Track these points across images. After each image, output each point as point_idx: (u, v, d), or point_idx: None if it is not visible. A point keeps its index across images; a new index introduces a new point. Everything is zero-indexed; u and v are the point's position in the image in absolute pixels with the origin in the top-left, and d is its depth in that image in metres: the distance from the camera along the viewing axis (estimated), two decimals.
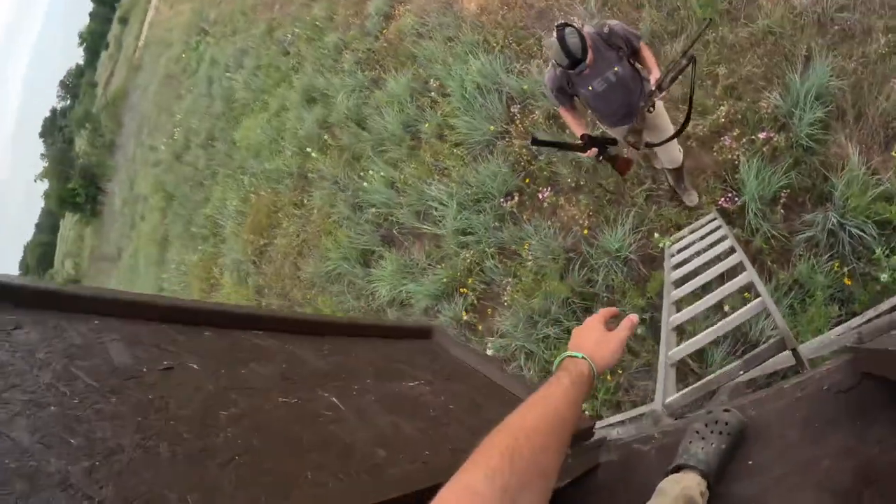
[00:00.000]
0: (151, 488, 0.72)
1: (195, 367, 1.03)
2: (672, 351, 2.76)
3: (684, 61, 3.46)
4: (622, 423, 3.69)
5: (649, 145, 3.82)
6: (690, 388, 2.39)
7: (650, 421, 2.37)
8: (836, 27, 4.54)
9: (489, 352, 4.91)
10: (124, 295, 1.10)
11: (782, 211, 4.10)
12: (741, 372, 2.37)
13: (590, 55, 3.24)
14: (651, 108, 3.55)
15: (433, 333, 1.98)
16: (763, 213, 4.12)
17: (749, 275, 2.98)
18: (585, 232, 4.84)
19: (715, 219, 4.09)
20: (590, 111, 4.06)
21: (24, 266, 76.12)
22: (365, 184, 6.90)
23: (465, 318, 5.35)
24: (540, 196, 5.30)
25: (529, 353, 4.70)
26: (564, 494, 1.32)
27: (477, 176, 5.68)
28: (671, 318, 3.04)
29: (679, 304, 3.66)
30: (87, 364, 0.87)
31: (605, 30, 3.37)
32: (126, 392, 0.86)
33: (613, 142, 3.68)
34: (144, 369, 0.94)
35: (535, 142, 3.70)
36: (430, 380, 1.56)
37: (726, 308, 3.67)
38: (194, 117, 15.87)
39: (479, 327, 5.28)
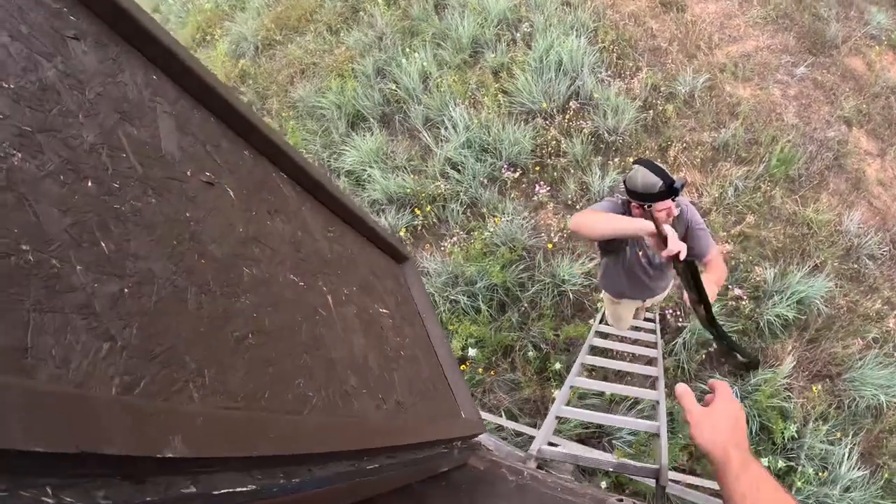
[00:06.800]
0: (174, 345, 0.56)
1: (231, 193, 0.83)
2: (563, 407, 2.98)
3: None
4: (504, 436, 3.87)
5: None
6: (564, 452, 2.57)
7: (523, 457, 2.49)
8: (856, 265, 4.85)
9: None
10: (190, 58, 0.82)
11: (704, 356, 4.31)
12: (610, 469, 2.59)
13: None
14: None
15: (407, 261, 1.90)
16: (689, 347, 4.31)
17: (658, 396, 3.14)
18: (550, 246, 4.87)
19: (653, 320, 4.24)
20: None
21: None
22: (403, 60, 6.64)
23: (401, 233, 5.31)
24: (536, 187, 5.28)
25: (432, 301, 4.72)
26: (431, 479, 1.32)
27: (500, 131, 5.58)
28: (576, 379, 3.21)
29: (589, 370, 3.84)
30: (135, 134, 0.65)
31: (676, 210, 2.52)
32: (167, 196, 0.66)
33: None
34: (188, 172, 0.73)
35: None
36: (392, 312, 1.49)
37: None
38: None
39: (408, 250, 5.24)
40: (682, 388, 1.14)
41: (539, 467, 2.33)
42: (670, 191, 2.30)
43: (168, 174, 0.68)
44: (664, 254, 2.05)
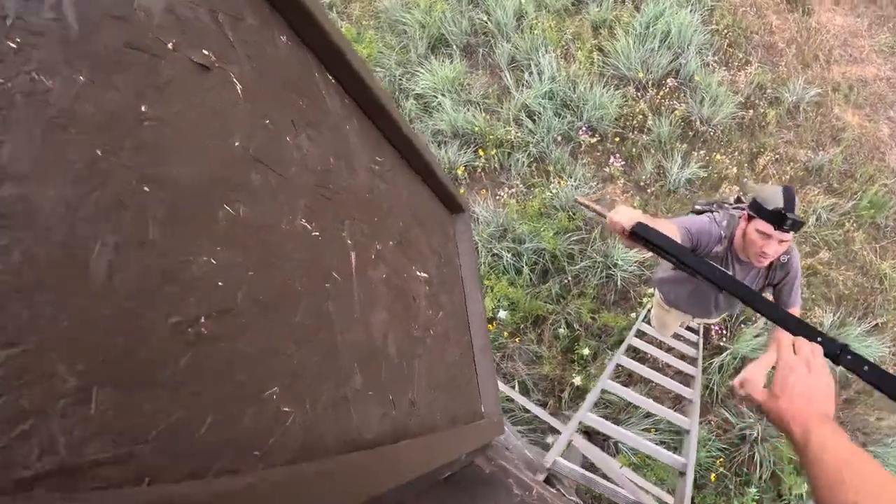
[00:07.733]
0: (40, 346, 0.31)
1: (238, 88, 0.56)
2: (588, 413, 2.77)
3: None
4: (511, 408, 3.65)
5: None
6: (578, 472, 2.34)
7: (534, 464, 2.28)
8: None
9: None
10: None
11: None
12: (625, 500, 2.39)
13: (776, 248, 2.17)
14: None
15: (463, 212, 1.60)
16: (726, 368, 4.01)
17: (691, 424, 2.87)
18: None
19: (696, 332, 3.94)
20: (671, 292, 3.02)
21: None
22: None
23: (459, 171, 5.02)
24: (611, 159, 4.91)
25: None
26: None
27: (587, 90, 5.16)
28: (607, 382, 2.97)
29: (621, 370, 3.59)
30: None
31: (784, 257, 2.35)
32: (110, 76, 0.39)
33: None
34: (169, 44, 0.46)
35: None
36: (431, 277, 1.19)
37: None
38: None
39: (462, 191, 4.97)
40: (738, 381, 1.19)
41: (547, 479, 2.12)
42: (778, 216, 2.06)
43: (127, 40, 0.41)
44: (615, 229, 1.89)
